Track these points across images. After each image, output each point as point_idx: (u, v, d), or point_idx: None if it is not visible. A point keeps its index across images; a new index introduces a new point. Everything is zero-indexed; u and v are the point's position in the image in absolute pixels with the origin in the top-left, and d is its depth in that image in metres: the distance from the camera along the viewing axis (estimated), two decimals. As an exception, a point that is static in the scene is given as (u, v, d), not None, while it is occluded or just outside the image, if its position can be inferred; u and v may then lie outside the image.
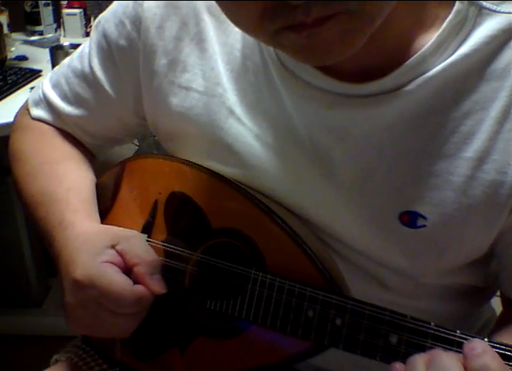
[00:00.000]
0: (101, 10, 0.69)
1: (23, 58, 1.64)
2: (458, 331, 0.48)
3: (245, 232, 0.58)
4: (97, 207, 0.67)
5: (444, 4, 0.52)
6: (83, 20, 1.87)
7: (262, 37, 0.47)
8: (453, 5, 0.52)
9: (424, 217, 0.54)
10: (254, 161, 0.60)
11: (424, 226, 0.55)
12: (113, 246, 0.59)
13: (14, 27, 1.77)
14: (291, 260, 0.56)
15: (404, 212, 0.55)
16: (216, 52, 0.61)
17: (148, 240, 0.63)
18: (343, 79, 0.54)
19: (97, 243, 0.59)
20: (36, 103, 0.76)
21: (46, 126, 0.75)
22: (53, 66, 1.45)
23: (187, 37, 0.62)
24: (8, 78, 1.43)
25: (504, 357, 0.46)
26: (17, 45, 1.78)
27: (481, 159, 0.52)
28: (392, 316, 0.50)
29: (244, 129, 0.60)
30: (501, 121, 0.52)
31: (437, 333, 0.48)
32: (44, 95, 0.74)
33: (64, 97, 0.73)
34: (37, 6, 1.85)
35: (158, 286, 0.58)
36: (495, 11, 0.51)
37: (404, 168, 0.54)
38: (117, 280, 0.56)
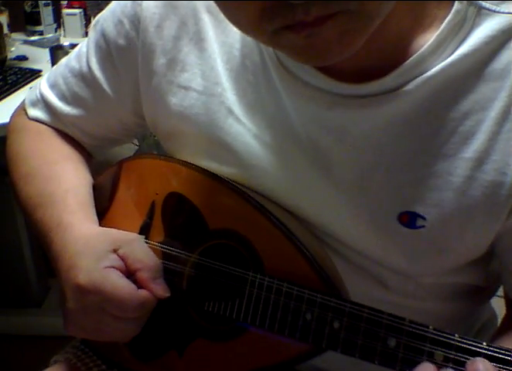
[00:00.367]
0: (101, 10, 0.69)
1: (23, 58, 1.64)
2: (456, 335, 0.48)
3: (242, 233, 0.58)
4: (94, 208, 0.67)
5: (443, 4, 0.52)
6: (83, 20, 1.87)
7: (261, 37, 0.47)
8: (452, 5, 0.51)
9: (423, 217, 0.54)
10: (253, 160, 0.60)
11: (423, 226, 0.55)
12: (114, 251, 0.58)
13: (14, 27, 1.77)
14: (289, 262, 0.55)
15: (403, 212, 0.55)
16: (216, 52, 0.61)
17: (145, 242, 0.63)
18: (342, 80, 0.53)
19: (98, 246, 0.59)
20: (34, 104, 0.75)
21: (44, 126, 0.74)
22: (53, 66, 1.45)
23: (186, 36, 0.62)
24: (8, 78, 1.43)
25: (504, 362, 0.46)
26: (17, 45, 1.78)
27: (480, 160, 0.52)
28: (390, 319, 0.50)
29: (242, 128, 0.60)
30: (501, 122, 0.51)
31: (435, 337, 0.48)
32: (41, 95, 0.74)
33: (62, 97, 0.72)
34: (37, 6, 1.85)
35: (161, 290, 0.58)
36: (494, 11, 0.51)
37: (403, 168, 0.54)
38: (121, 285, 0.56)
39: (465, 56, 0.51)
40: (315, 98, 0.55)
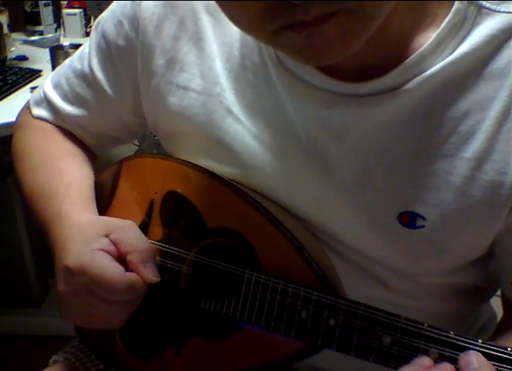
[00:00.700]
0: (101, 10, 0.69)
1: (23, 58, 1.65)
2: (451, 332, 0.48)
3: (240, 231, 0.58)
4: (95, 203, 0.67)
5: (443, 3, 0.52)
6: (83, 20, 1.88)
7: (262, 37, 0.47)
8: (452, 5, 0.51)
9: (423, 217, 0.54)
10: (252, 160, 0.60)
11: (423, 226, 0.55)
12: (106, 235, 0.58)
13: (14, 27, 1.78)
14: (286, 260, 0.56)
15: (403, 212, 0.55)
16: (215, 52, 0.61)
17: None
18: (342, 79, 0.53)
19: (90, 232, 0.59)
20: (38, 103, 0.76)
21: (48, 124, 0.75)
22: (53, 66, 1.45)
23: (185, 36, 0.62)
24: (8, 78, 1.43)
25: (498, 359, 0.45)
26: (17, 45, 1.79)
27: (480, 159, 0.52)
28: (385, 316, 0.50)
29: (242, 128, 0.60)
30: (501, 121, 0.51)
31: (430, 334, 0.48)
32: (45, 95, 0.75)
33: (65, 97, 0.73)
34: (37, 6, 1.85)
35: (150, 274, 0.57)
36: (494, 10, 0.51)
37: (403, 168, 0.54)
38: (109, 267, 0.56)
39: (466, 55, 0.51)
40: (314, 97, 0.55)
